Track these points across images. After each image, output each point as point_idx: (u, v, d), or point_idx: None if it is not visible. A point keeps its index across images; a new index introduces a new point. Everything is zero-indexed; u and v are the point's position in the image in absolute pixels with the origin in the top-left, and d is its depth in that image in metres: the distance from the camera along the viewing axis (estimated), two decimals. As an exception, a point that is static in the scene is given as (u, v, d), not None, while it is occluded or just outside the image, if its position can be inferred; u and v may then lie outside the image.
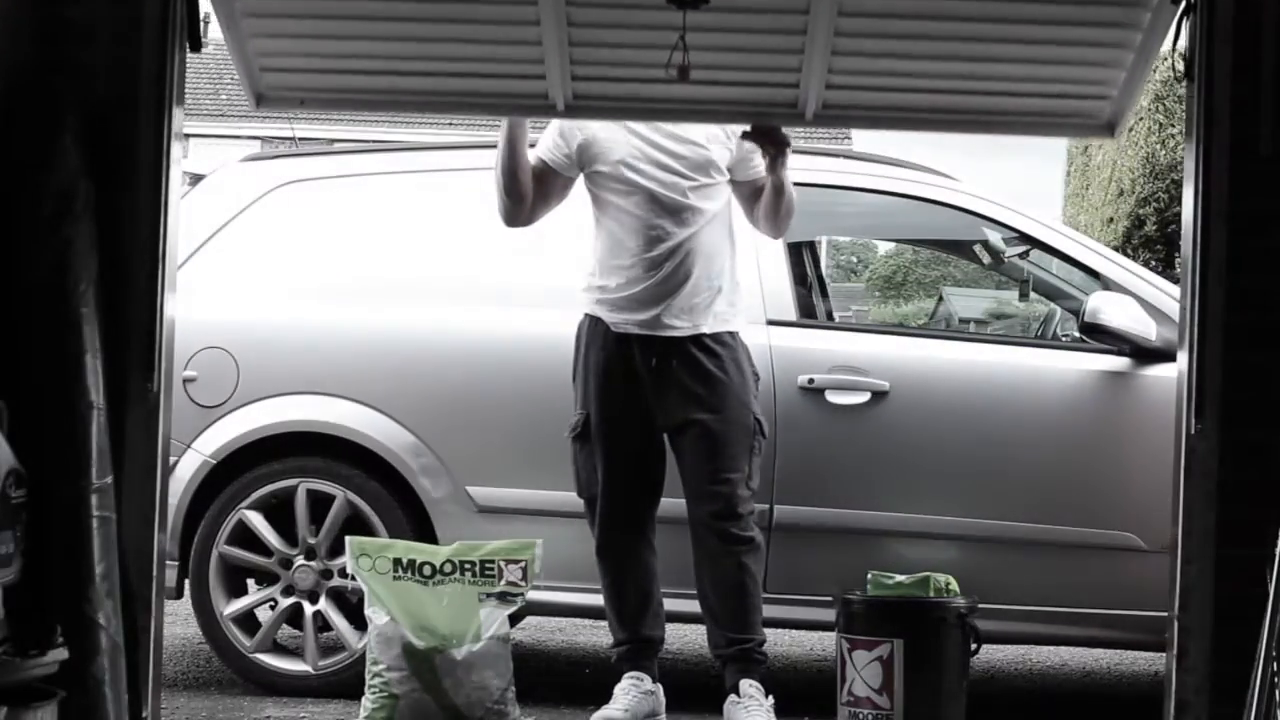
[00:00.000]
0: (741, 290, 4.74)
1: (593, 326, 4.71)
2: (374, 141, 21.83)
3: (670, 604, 4.77)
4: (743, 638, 4.60)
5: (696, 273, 4.61)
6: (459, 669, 4.52)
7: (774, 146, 4.53)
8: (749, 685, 4.56)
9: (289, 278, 5.32)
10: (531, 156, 4.70)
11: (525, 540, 4.67)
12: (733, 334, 4.69)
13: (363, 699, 4.58)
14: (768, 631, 4.73)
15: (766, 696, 4.57)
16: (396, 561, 4.65)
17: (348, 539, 4.75)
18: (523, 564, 4.63)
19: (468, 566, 4.63)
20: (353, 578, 4.75)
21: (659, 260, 4.60)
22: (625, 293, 4.63)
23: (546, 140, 4.74)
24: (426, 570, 4.63)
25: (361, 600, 4.73)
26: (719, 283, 4.64)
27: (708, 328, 4.63)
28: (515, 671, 4.61)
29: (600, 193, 4.68)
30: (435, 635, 4.55)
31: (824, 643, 6.12)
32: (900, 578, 4.59)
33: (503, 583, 4.62)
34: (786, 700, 4.65)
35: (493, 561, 4.63)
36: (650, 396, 4.63)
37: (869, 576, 4.63)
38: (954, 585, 4.57)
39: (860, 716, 4.40)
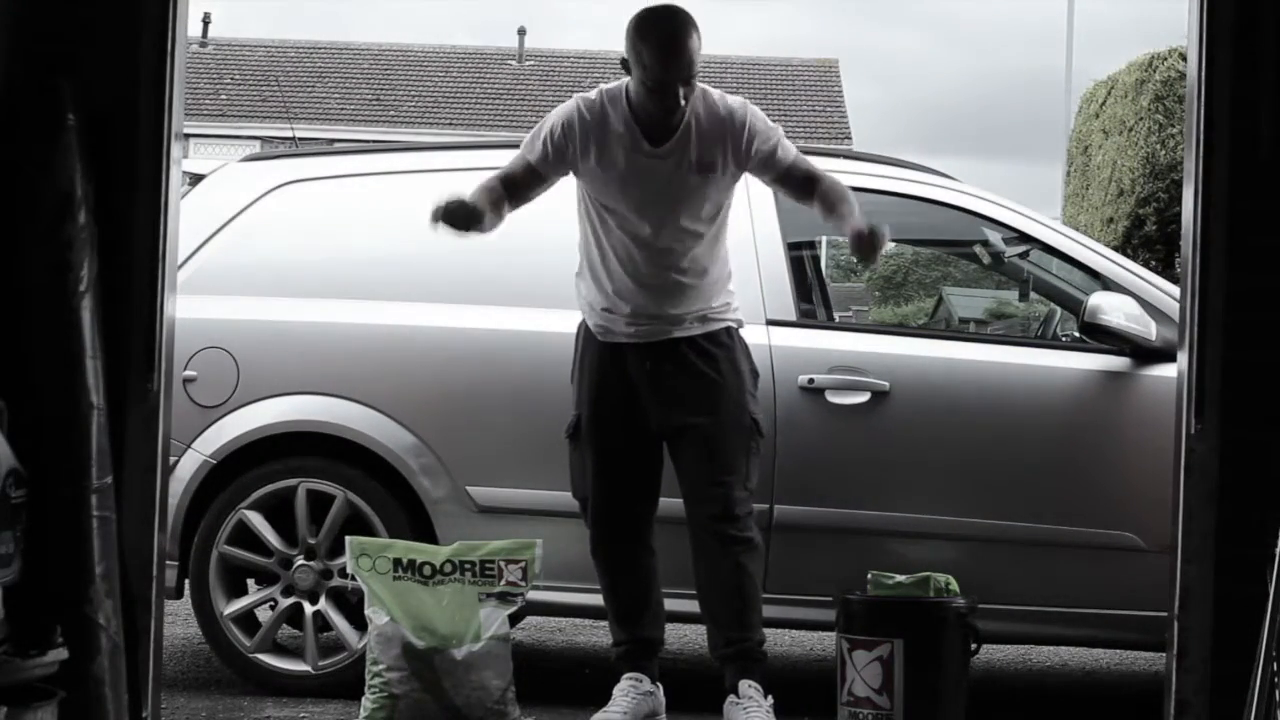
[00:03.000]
0: (735, 285, 4.68)
1: (589, 329, 4.70)
2: (374, 141, 21.89)
3: (670, 604, 4.77)
4: (741, 638, 4.59)
5: (685, 280, 4.56)
6: (459, 669, 4.52)
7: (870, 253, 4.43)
8: (748, 685, 4.55)
9: (289, 278, 5.31)
10: (518, 161, 4.60)
11: (525, 540, 4.67)
12: (729, 332, 4.65)
13: (363, 699, 4.58)
14: (768, 631, 4.72)
15: (766, 696, 4.56)
16: (396, 561, 4.65)
17: (348, 539, 4.75)
18: (523, 564, 4.63)
19: (468, 566, 4.63)
20: (353, 578, 4.75)
21: (645, 268, 4.55)
22: (613, 303, 4.59)
23: (536, 144, 4.58)
24: (426, 570, 4.64)
25: (361, 600, 4.73)
26: (710, 286, 4.60)
27: (699, 329, 4.60)
28: (515, 671, 4.60)
29: (588, 197, 4.63)
30: (435, 635, 4.55)
31: (824, 643, 6.11)
32: (900, 578, 4.58)
33: (503, 583, 4.63)
34: (786, 700, 4.64)
35: (493, 561, 4.64)
36: (645, 400, 4.61)
37: (869, 576, 4.62)
38: (954, 585, 4.56)
39: (860, 716, 4.40)
